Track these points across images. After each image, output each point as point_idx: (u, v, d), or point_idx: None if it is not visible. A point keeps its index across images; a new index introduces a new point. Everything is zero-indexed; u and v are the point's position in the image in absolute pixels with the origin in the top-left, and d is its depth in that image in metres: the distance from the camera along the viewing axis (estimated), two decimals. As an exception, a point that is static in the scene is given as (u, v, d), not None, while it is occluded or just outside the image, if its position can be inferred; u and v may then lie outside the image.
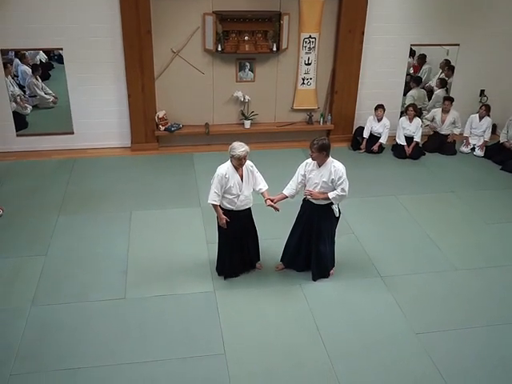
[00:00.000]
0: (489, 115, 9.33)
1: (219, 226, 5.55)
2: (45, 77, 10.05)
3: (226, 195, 5.34)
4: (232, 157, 5.24)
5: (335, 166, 5.31)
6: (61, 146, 8.88)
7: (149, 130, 8.95)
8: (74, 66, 8.42)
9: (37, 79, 9.72)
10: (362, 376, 4.62)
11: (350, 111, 9.49)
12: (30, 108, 9.48)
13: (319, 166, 5.37)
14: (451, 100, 9.34)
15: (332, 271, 5.90)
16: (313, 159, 5.39)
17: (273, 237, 6.20)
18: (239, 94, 9.00)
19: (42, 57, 10.18)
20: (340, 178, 5.28)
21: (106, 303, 5.39)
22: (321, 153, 5.25)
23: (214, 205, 5.35)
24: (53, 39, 8.19)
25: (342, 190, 5.31)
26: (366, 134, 9.27)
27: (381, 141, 9.17)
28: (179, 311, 5.31)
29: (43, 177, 8.04)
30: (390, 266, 6.10)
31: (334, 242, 5.78)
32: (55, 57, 10.09)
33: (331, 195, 5.35)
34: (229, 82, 9.05)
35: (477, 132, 9.37)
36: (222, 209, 5.39)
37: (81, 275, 5.80)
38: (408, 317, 5.31)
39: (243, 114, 9.21)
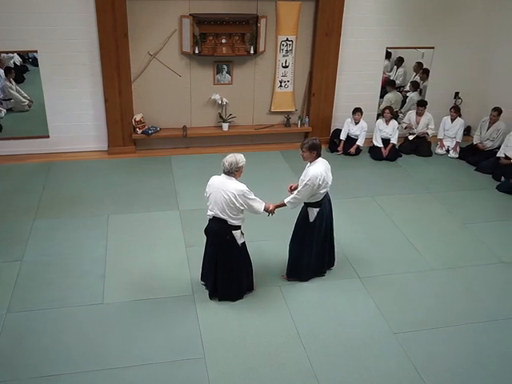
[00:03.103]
0: (460, 116, 9.48)
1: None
2: (19, 80, 9.91)
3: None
4: (242, 167, 5.06)
5: (309, 169, 5.34)
6: (36, 149, 8.76)
7: (126, 133, 8.88)
8: (50, 68, 8.32)
9: (11, 82, 9.58)
10: (340, 376, 4.64)
11: (327, 113, 9.55)
12: (4, 111, 9.34)
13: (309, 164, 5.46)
14: (425, 104, 9.47)
15: (285, 276, 5.89)
16: (304, 159, 5.43)
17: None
18: (217, 96, 8.99)
19: (17, 59, 10.04)
20: (303, 181, 5.28)
21: (83, 308, 5.32)
22: (311, 152, 5.30)
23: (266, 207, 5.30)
24: (27, 41, 8.08)
25: (298, 192, 5.32)
26: (343, 137, 9.33)
27: (358, 143, 9.25)
28: (158, 315, 5.27)
29: (18, 181, 7.91)
30: (368, 267, 6.15)
31: (304, 249, 5.68)
32: (30, 59, 9.96)
33: (286, 200, 5.40)
34: (206, 84, 9.04)
35: (450, 134, 9.52)
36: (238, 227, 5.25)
37: (57, 280, 5.72)
38: (386, 317, 5.36)
39: (221, 117, 9.21)
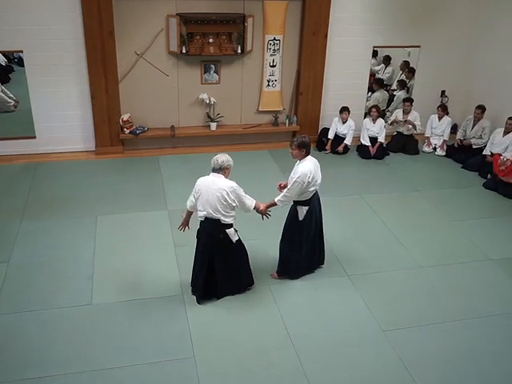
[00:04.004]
0: (447, 114, 9.55)
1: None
2: (5, 80, 9.81)
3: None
4: (231, 166, 5.11)
5: (298, 166, 5.36)
6: (22, 150, 8.68)
7: (113, 133, 8.83)
8: (35, 68, 8.25)
9: (-4, 83, 9.49)
10: (330, 374, 4.65)
11: (315, 112, 9.57)
12: (-11, 112, 9.24)
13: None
14: (411, 101, 9.53)
15: (274, 275, 5.89)
16: (293, 157, 5.45)
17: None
18: (204, 96, 8.98)
19: (2, 59, 9.95)
20: (292, 178, 5.32)
21: (71, 310, 5.29)
22: (300, 150, 5.32)
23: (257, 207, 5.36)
24: (12, 41, 8.01)
25: (288, 190, 5.35)
26: (331, 135, 9.36)
27: (346, 142, 9.28)
28: (147, 316, 5.25)
29: (4, 182, 7.84)
30: (356, 265, 6.17)
31: (293, 248, 5.69)
32: (15, 59, 9.87)
33: (276, 199, 5.43)
34: (194, 84, 9.01)
35: (437, 132, 9.59)
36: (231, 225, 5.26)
37: (45, 282, 5.68)
38: (375, 315, 5.38)
39: (209, 116, 9.19)
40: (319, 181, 5.49)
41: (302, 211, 5.53)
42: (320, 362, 4.78)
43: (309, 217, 5.55)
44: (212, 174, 5.11)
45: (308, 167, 5.31)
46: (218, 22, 8.49)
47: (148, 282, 5.74)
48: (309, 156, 5.41)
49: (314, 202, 5.54)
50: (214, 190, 5.02)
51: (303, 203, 5.50)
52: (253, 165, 8.65)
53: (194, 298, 5.49)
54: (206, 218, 5.13)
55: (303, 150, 5.34)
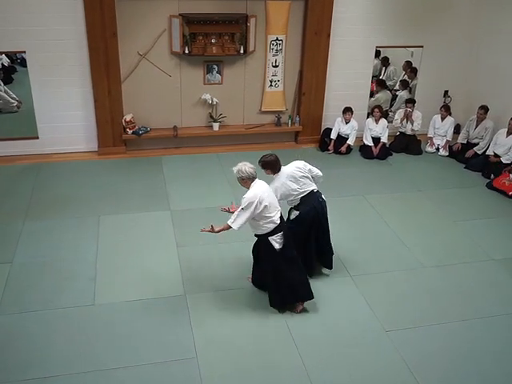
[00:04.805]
0: (450, 115, 9.53)
1: None
2: (7, 81, 9.85)
3: None
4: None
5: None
6: (25, 151, 8.69)
7: (116, 133, 8.84)
8: (38, 69, 8.26)
9: (-2, 83, 9.53)
10: (333, 375, 4.65)
11: (317, 112, 9.56)
12: (-8, 113, 9.28)
13: None
14: (413, 102, 9.49)
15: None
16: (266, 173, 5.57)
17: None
18: (207, 96, 8.98)
19: (5, 60, 9.99)
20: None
21: (74, 310, 5.30)
22: (265, 170, 5.50)
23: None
24: (15, 42, 8.02)
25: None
26: (333, 136, 9.35)
27: (348, 142, 9.26)
28: (150, 316, 5.25)
29: (7, 183, 7.85)
30: (359, 265, 6.17)
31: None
32: (18, 60, 9.92)
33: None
34: (196, 84, 9.02)
35: (440, 132, 9.57)
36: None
37: (48, 282, 5.69)
38: (378, 315, 5.37)
39: (211, 117, 9.19)
40: (294, 192, 5.53)
41: (295, 214, 5.70)
42: (322, 362, 4.78)
43: (299, 221, 5.61)
44: (253, 182, 5.13)
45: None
46: (221, 22, 8.49)
47: (150, 283, 5.74)
48: (281, 170, 5.47)
49: (305, 208, 5.58)
50: (270, 189, 5.23)
51: (295, 208, 5.70)
52: (255, 165, 8.61)
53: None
54: (280, 217, 5.20)
55: (268, 170, 5.47)
